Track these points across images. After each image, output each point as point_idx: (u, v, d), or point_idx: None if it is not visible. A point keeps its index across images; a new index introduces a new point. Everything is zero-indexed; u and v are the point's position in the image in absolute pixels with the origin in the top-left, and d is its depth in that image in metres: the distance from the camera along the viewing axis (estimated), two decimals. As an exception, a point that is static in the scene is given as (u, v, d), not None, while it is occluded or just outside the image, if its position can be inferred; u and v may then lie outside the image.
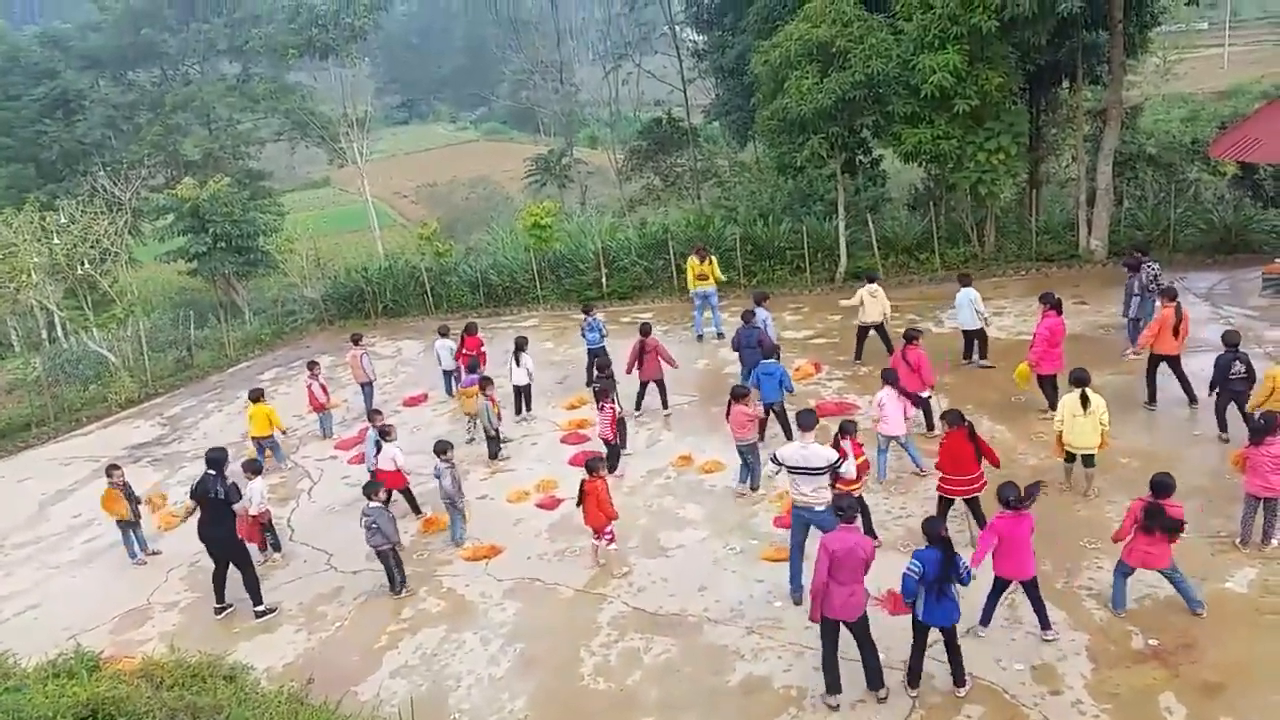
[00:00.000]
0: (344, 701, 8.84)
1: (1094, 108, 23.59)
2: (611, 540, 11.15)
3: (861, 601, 8.14)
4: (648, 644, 9.73)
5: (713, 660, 9.33)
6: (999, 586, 8.93)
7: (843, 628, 8.24)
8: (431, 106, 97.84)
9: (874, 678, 8.37)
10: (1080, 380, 11.15)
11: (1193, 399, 13.32)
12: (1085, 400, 11.01)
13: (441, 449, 12.27)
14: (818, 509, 9.47)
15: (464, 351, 17.00)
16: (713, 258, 19.17)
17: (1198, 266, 20.27)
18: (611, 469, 13.25)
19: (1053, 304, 13.58)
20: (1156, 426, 13.17)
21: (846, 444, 10.35)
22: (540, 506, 13.08)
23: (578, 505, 11.11)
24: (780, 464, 9.68)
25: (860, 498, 10.37)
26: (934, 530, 8.04)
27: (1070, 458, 11.44)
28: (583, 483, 10.94)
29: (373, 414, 14.12)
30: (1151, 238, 21.48)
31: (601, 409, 13.66)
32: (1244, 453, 9.88)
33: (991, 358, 15.90)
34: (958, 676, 8.34)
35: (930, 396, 13.61)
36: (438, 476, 12.15)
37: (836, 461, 9.56)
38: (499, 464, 14.67)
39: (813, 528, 9.58)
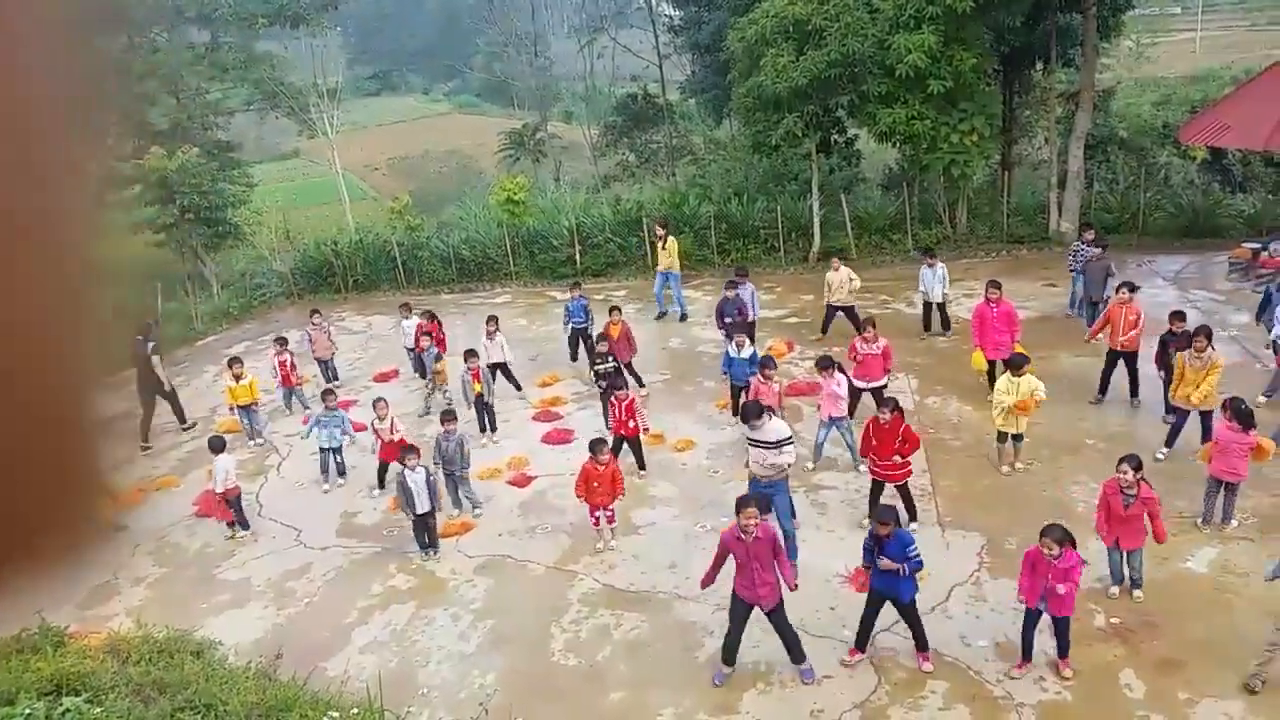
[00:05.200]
0: (312, 677, 8.82)
1: (1067, 90, 23.71)
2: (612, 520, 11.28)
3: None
4: (618, 620, 9.79)
5: (682, 636, 9.41)
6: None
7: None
8: (404, 77, 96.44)
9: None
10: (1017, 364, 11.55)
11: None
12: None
13: (443, 418, 12.28)
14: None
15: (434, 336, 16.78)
16: (670, 238, 19.22)
17: (1166, 250, 20.49)
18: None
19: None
20: (1125, 410, 13.34)
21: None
22: (511, 484, 13.06)
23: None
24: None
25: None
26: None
27: (1002, 436, 11.80)
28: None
29: (325, 394, 14.25)
30: (1121, 221, 21.73)
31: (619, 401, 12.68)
32: (1219, 436, 9.90)
33: (958, 338, 16.17)
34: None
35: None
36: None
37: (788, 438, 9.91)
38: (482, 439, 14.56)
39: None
